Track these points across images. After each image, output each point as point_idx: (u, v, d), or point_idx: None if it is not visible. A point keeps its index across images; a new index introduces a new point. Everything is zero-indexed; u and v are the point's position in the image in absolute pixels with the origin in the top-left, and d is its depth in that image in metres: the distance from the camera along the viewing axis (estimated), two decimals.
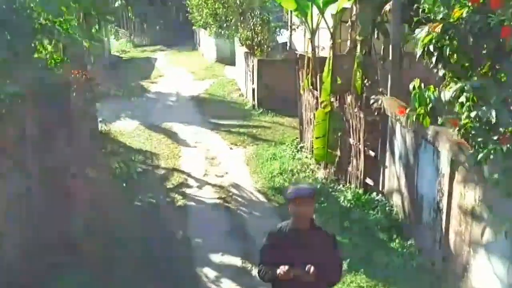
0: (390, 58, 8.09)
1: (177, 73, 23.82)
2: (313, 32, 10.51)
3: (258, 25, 16.97)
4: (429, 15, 5.21)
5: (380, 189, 8.17)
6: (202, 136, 12.88)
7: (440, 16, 5.00)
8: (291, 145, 11.48)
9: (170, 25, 43.65)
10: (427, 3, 5.13)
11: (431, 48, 5.07)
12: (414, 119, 6.25)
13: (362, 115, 8.28)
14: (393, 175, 7.72)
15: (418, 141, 6.68)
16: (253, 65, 15.65)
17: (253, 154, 11.24)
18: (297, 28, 16.42)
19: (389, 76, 8.13)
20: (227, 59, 24.32)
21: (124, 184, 9.48)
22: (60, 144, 7.43)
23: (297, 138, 11.88)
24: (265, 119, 14.50)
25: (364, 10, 9.27)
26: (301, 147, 11.30)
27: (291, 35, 18.90)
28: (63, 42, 7.19)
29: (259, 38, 16.68)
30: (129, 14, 45.07)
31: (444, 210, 5.77)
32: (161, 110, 16.55)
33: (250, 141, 12.28)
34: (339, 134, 9.22)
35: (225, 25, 18.14)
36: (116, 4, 46.66)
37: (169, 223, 7.96)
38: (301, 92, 11.39)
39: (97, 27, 11.15)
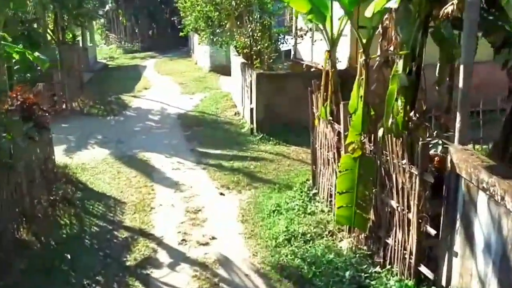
0: (460, 83, 5.25)
1: (166, 85, 21.01)
2: (333, 42, 7.72)
3: (257, 31, 14.18)
4: None
5: (445, 285, 5.33)
6: (186, 175, 10.04)
7: None
8: (301, 191, 8.65)
9: (164, 30, 40.92)
10: None
11: None
12: None
13: (416, 172, 5.44)
14: (470, 272, 4.88)
15: None
16: (251, 80, 12.83)
17: (251, 204, 8.41)
18: (305, 34, 13.62)
19: (458, 112, 5.29)
20: (223, 68, 21.57)
21: (68, 256, 6.65)
22: None
23: (308, 180, 9.05)
24: (266, 148, 11.67)
25: (408, 11, 6.44)
26: (314, 195, 8.48)
27: (296, 42, 16.10)
28: None
29: (258, 47, 13.90)
30: (120, 18, 42.84)
31: None
32: (139, 133, 13.72)
33: (246, 182, 9.45)
34: (373, 190, 6.38)
35: (218, 30, 15.37)
36: (107, 7, 44.64)
37: None
38: (316, 122, 8.57)
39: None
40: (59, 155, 10.73)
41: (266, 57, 14.25)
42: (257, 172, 9.99)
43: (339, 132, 7.37)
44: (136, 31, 41.17)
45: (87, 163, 10.84)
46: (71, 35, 20.11)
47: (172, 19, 36.02)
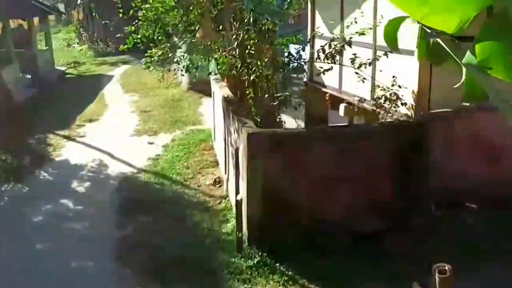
0: None
1: (122, 112, 14.67)
2: None
3: (250, 44, 7.85)
4: None
5: None
6: None
7: None
8: None
9: None
10: None
11: None
12: None
13: None
14: None
15: None
16: (237, 145, 6.58)
17: None
18: (338, 53, 7.28)
19: None
20: (207, 86, 15.22)
21: None
22: None
23: None
24: None
25: None
26: None
27: (313, 59, 9.66)
28: None
29: (252, 73, 7.57)
30: (94, 14, 36.47)
31: None
32: (27, 244, 7.39)
33: None
34: None
35: (181, 41, 9.00)
36: (78, 1, 38.09)
37: None
38: None
39: None
40: None
41: (266, 86, 7.93)
42: None
43: None
44: (111, 29, 34.71)
45: None
46: None
47: None
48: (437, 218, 7.19)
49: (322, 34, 9.34)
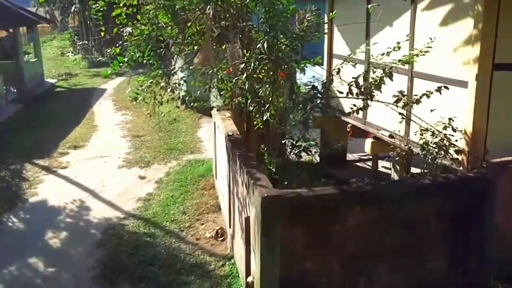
0: None
1: (111, 139, 13.11)
2: None
3: (261, 68, 6.31)
4: None
5: None
6: None
7: None
8: None
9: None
10: None
11: None
12: None
13: None
14: None
15: None
16: (247, 217, 5.05)
17: None
18: (381, 82, 5.70)
19: None
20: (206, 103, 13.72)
21: None
22: None
23: None
24: None
25: None
26: None
27: (331, 96, 7.99)
28: None
29: (267, 109, 5.99)
30: (88, 22, 35.01)
31: None
32: None
33: None
34: None
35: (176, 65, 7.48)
36: (73, 8, 36.67)
37: None
38: None
39: None
40: None
41: (277, 122, 6.36)
42: None
43: None
44: (107, 38, 33.19)
45: None
46: None
47: None
48: None
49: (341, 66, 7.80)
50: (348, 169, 9.84)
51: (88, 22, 34.02)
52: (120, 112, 16.32)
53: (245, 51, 6.28)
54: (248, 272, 5.12)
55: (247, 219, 5.02)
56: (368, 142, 8.04)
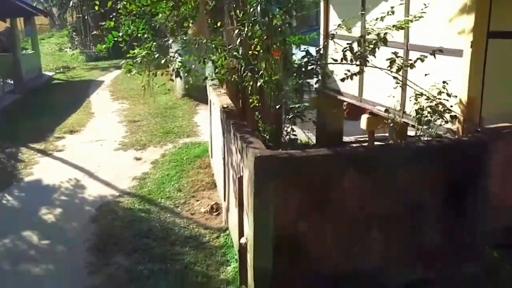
0: None
1: (108, 124, 13.08)
2: None
3: (257, 40, 6.28)
4: None
5: None
6: None
7: None
8: None
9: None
10: None
11: None
12: None
13: None
14: None
15: None
16: (240, 176, 5.03)
17: None
18: (372, 54, 5.69)
19: None
20: (203, 92, 13.68)
21: None
22: None
23: None
24: None
25: None
26: None
27: (325, 63, 7.97)
28: None
29: (261, 76, 5.97)
30: (86, 17, 34.96)
31: None
32: None
33: None
34: None
35: (171, 40, 7.45)
36: (71, 3, 36.63)
37: None
38: None
39: None
40: None
41: (275, 96, 6.33)
42: None
43: None
44: (104, 32, 33.14)
45: None
46: None
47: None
48: (495, 264, 5.64)
49: (336, 32, 7.74)
50: None
51: (86, 16, 33.99)
52: (117, 101, 16.27)
53: (240, 17, 6.23)
54: (241, 233, 5.09)
55: (240, 178, 4.99)
56: (364, 118, 8.01)
